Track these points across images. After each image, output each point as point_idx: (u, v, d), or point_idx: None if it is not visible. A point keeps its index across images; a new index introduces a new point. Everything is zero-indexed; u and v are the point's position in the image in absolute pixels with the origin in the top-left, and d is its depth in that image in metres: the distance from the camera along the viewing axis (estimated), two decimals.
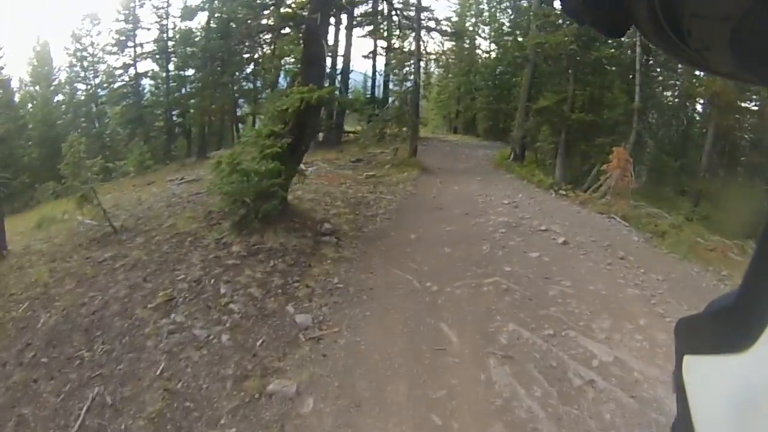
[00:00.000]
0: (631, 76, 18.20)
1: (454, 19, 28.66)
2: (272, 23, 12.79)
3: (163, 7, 23.39)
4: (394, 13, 22.57)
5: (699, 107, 20.18)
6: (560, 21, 17.27)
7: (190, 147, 24.88)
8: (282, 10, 11.47)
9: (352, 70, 23.97)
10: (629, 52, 18.80)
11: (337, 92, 22.03)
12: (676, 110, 20.38)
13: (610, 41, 18.93)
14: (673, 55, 0.50)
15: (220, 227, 8.56)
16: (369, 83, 28.20)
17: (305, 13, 9.20)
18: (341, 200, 11.18)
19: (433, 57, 24.34)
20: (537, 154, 20.08)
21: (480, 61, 30.57)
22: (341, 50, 23.05)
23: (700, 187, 15.67)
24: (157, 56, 23.94)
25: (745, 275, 0.41)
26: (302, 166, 10.05)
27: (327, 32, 9.63)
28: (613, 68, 19.12)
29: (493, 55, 29.89)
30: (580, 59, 17.64)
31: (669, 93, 20.67)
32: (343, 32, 22.99)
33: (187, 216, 9.50)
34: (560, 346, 5.31)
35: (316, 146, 21.38)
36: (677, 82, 19.80)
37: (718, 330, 0.46)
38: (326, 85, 9.27)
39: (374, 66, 26.96)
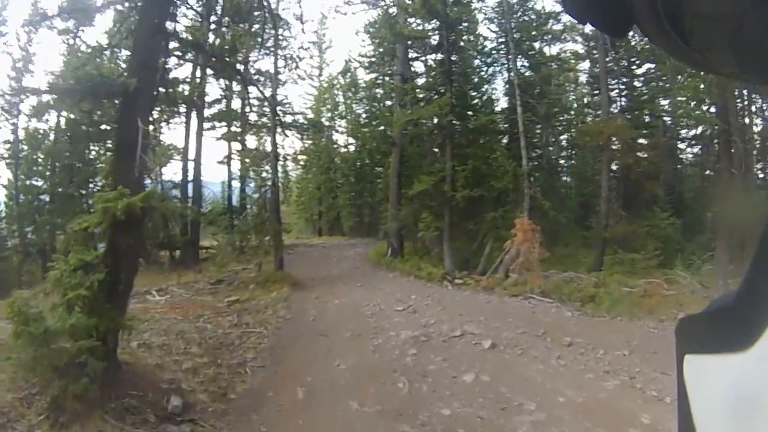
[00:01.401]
0: (506, 141, 18.49)
1: (310, 115, 28.64)
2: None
3: (15, 102, 19.41)
4: (248, 110, 21.52)
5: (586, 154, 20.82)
6: (426, 95, 17.43)
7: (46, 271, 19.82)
8: (87, 68, 8.61)
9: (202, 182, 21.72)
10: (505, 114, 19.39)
11: (176, 201, 19.74)
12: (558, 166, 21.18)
13: (483, 108, 19.49)
14: (675, 55, 0.49)
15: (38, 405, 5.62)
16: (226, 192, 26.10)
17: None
18: (198, 344, 8.71)
19: (291, 156, 23.53)
20: (416, 244, 19.44)
21: (339, 156, 30.49)
22: (191, 154, 20.98)
23: (605, 234, 15.58)
24: (9, 162, 20.14)
25: (745, 275, 0.40)
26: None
27: (149, 114, 7.51)
28: (493, 137, 19.19)
29: (352, 148, 30.13)
30: (459, 131, 17.50)
31: (551, 148, 21.06)
32: (193, 135, 21.05)
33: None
34: None
35: (171, 267, 18.42)
36: (560, 137, 20.81)
37: (718, 330, 0.45)
38: (152, 188, 6.98)
39: (229, 172, 25.18)
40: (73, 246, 6.13)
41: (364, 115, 28.35)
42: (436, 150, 18.79)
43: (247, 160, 22.01)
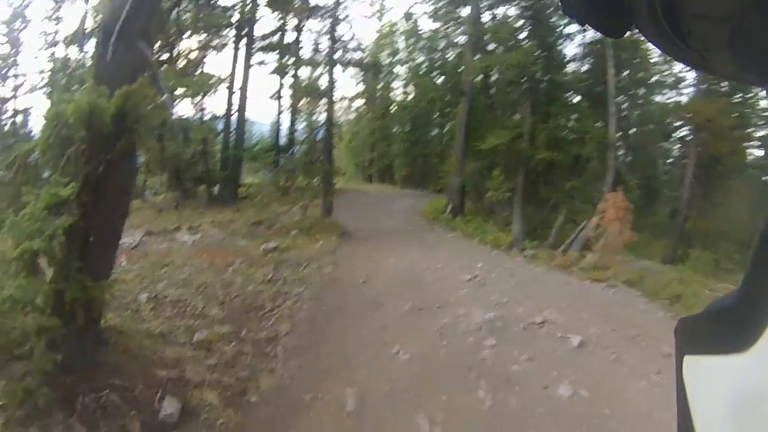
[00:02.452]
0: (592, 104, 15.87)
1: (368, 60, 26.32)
2: None
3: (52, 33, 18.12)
4: (302, 44, 19.10)
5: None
6: (513, 41, 14.72)
7: None
8: None
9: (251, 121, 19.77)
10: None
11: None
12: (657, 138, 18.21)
13: (572, 62, 16.84)
14: (674, 55, 0.50)
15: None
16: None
17: None
18: (220, 303, 6.85)
19: (347, 98, 21.17)
20: (479, 204, 17.04)
21: (395, 104, 28.35)
22: (237, 85, 18.88)
23: (685, 225, 13.28)
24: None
25: (745, 275, 0.40)
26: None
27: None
28: (579, 96, 16.68)
29: (410, 97, 27.73)
30: (543, 84, 15.04)
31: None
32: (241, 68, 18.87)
33: None
34: None
35: (208, 204, 16.85)
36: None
37: (717, 330, 0.44)
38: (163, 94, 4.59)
39: (279, 108, 23.21)
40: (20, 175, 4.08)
41: (424, 65, 25.72)
42: (523, 101, 16.06)
43: (303, 100, 19.80)
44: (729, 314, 0.42)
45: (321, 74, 17.63)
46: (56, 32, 18.76)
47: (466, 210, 16.23)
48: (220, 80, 18.18)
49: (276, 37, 19.83)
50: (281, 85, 21.33)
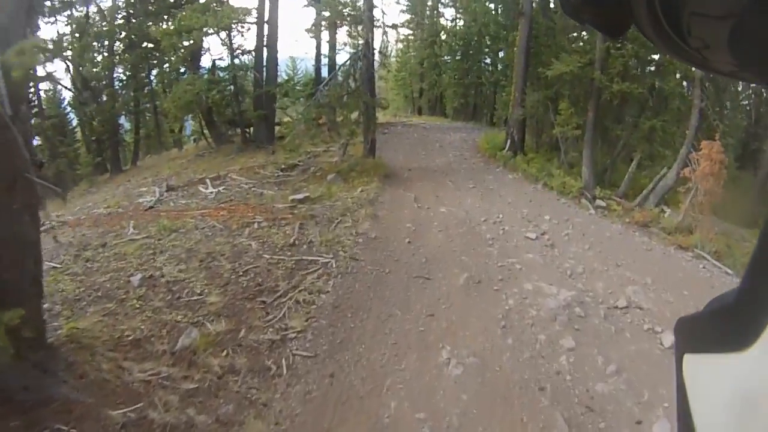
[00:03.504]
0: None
1: None
2: None
3: None
4: None
5: None
6: None
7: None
8: None
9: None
10: None
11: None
12: None
13: None
14: (673, 54, 0.49)
15: None
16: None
17: None
18: (224, 284, 5.43)
19: (392, 25, 18.57)
20: (540, 140, 14.69)
21: (445, 30, 26.01)
22: (266, 15, 16.81)
23: None
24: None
25: (745, 273, 0.39)
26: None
27: None
28: None
29: (460, 23, 25.25)
30: None
31: None
32: None
33: None
34: None
35: (243, 146, 15.53)
36: None
37: (717, 328, 0.44)
38: None
39: (318, 42, 21.00)
40: None
41: None
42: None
43: (334, 20, 17.41)
44: (729, 312, 0.41)
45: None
46: None
47: (526, 147, 14.03)
48: (246, 10, 16.20)
49: None
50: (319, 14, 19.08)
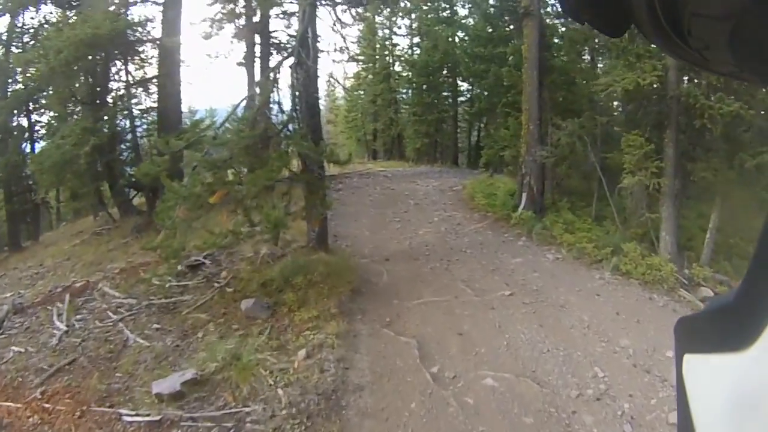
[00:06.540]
0: None
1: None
2: None
3: None
4: None
5: None
6: None
7: None
8: None
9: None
10: None
11: None
12: None
13: None
14: (673, 54, 0.49)
15: None
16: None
17: None
18: None
19: (335, 48, 14.11)
20: (557, 185, 10.64)
21: (400, 61, 23.89)
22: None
23: None
24: None
25: (745, 274, 0.39)
26: None
27: None
28: None
29: (417, 52, 23.16)
30: None
31: None
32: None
33: None
34: None
35: (141, 226, 10.74)
36: None
37: (717, 329, 0.44)
38: None
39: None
40: None
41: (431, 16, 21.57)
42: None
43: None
44: (728, 313, 0.41)
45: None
46: None
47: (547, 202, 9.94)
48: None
49: None
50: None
